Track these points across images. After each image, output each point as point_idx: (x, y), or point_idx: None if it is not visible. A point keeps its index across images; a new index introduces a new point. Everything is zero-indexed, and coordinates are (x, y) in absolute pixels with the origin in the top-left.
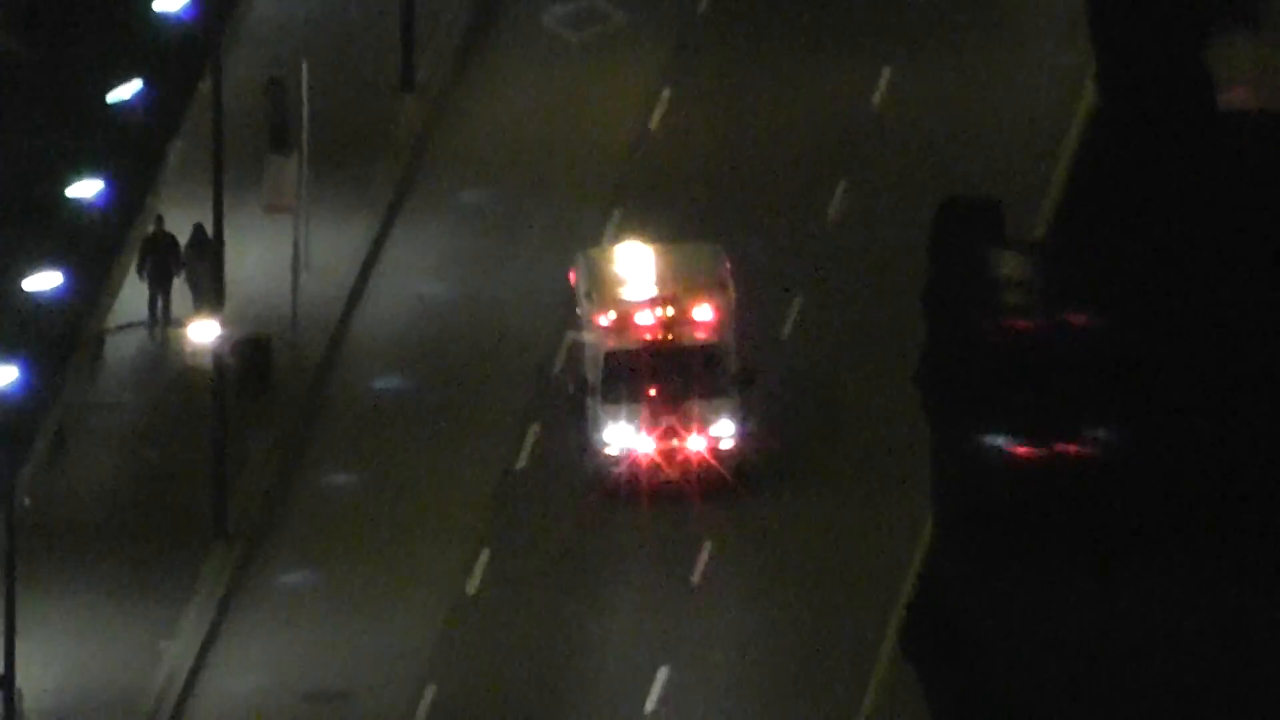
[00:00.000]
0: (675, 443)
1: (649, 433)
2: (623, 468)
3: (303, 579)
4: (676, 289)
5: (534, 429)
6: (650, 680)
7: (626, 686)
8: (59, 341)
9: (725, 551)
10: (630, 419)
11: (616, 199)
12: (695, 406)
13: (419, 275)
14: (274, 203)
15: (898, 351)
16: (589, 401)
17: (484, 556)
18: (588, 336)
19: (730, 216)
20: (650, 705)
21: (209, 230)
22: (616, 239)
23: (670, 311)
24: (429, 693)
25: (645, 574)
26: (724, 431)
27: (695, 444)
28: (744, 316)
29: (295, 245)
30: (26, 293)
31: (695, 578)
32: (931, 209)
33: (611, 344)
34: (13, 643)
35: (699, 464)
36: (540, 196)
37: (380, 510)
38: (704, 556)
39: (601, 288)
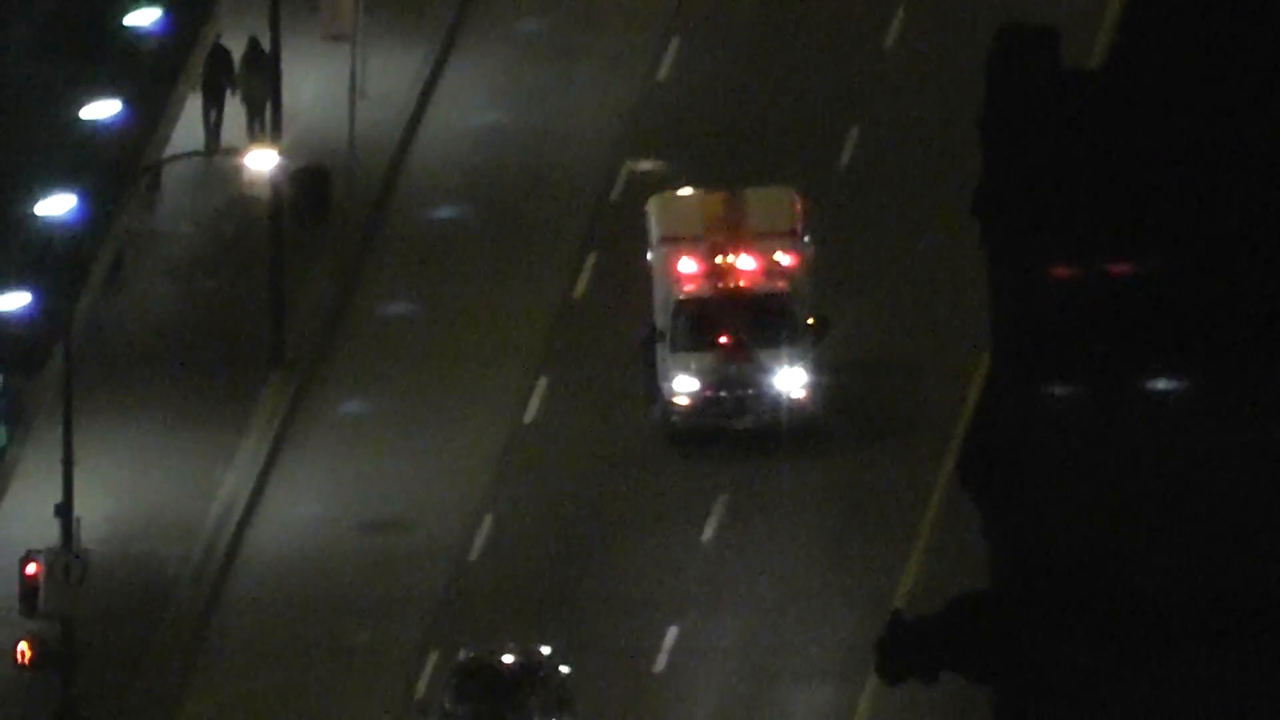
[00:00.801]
0: (745, 392)
1: (719, 382)
2: (690, 416)
3: (360, 408)
4: (751, 235)
5: (592, 257)
6: (708, 511)
7: (687, 514)
8: (116, 170)
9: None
10: (700, 368)
11: (673, 28)
12: (765, 355)
13: (476, 104)
14: (331, 31)
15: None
16: (658, 349)
17: (542, 384)
18: (658, 283)
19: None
20: (708, 533)
21: (264, 46)
22: (674, 70)
23: (744, 258)
24: (487, 522)
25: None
26: (794, 381)
27: (765, 394)
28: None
29: (352, 74)
30: (84, 121)
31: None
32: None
33: (682, 292)
34: (70, 472)
35: (768, 414)
36: (595, 27)
37: (438, 339)
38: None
39: (673, 232)
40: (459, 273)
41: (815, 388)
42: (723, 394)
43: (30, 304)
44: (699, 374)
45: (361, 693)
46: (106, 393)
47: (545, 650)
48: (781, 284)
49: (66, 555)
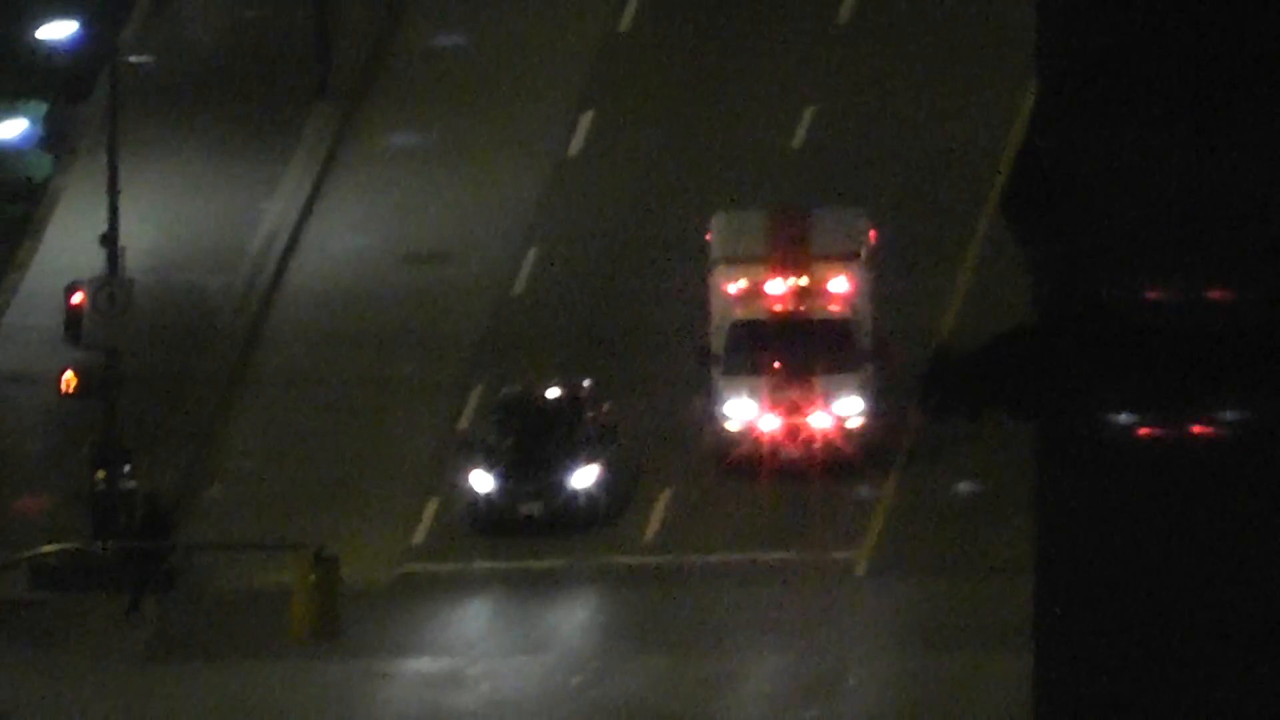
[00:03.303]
0: (799, 419)
1: (771, 408)
2: (744, 444)
3: (405, 140)
4: (812, 257)
5: None
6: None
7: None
8: None
9: None
10: (753, 393)
11: None
12: (821, 382)
13: None
14: None
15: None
16: (713, 372)
17: (587, 118)
18: (715, 303)
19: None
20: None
21: None
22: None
23: (803, 281)
24: (530, 255)
25: (751, 131)
26: (851, 409)
27: (819, 421)
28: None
29: None
30: None
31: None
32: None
33: (738, 313)
34: (116, 201)
35: (822, 442)
36: None
37: (484, 71)
38: None
39: (733, 253)
40: (507, 4)
41: (874, 414)
42: (777, 421)
43: (76, 33)
44: (751, 400)
45: (403, 425)
46: (152, 123)
47: (587, 384)
48: (841, 308)
49: (111, 284)
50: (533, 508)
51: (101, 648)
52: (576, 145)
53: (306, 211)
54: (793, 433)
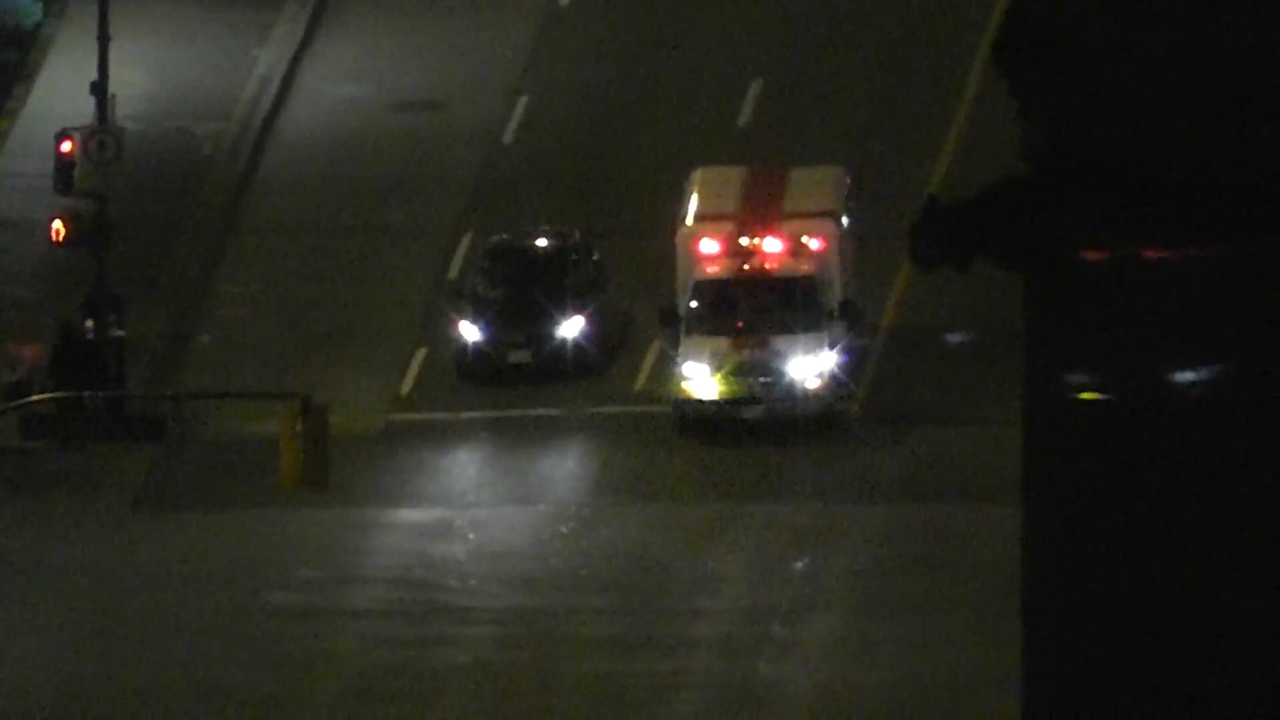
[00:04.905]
0: (756, 379)
1: (730, 367)
2: (702, 403)
3: None
4: (786, 215)
5: None
6: (743, 94)
7: (724, 96)
8: None
9: None
10: (713, 352)
11: None
12: (781, 342)
13: None
14: None
15: None
16: (679, 331)
17: None
18: (682, 262)
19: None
20: (743, 119)
21: None
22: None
23: (770, 240)
24: (521, 104)
25: None
26: (808, 370)
27: (776, 381)
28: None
29: None
30: None
31: None
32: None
33: (703, 271)
34: (106, 49)
35: (779, 402)
36: None
37: None
38: None
39: (705, 210)
40: None
41: (835, 376)
42: (735, 381)
43: None
44: (711, 359)
45: (393, 273)
46: None
47: (577, 234)
48: (810, 267)
49: (101, 132)
50: (521, 356)
51: (91, 496)
52: None
53: (298, 59)
54: (751, 392)
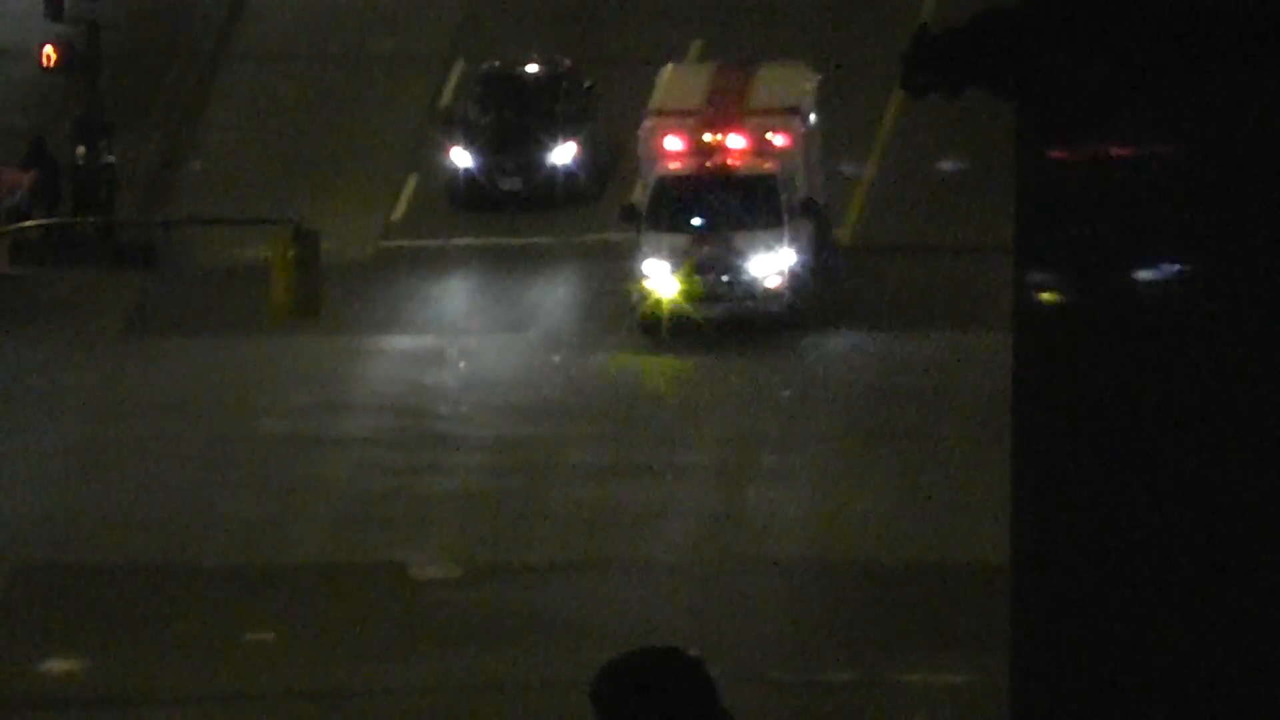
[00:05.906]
0: (715, 277)
1: (688, 264)
2: (659, 300)
3: None
4: (749, 111)
5: None
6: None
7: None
8: None
9: None
10: (672, 249)
11: None
12: (740, 239)
13: None
14: None
15: None
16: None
17: None
18: (645, 157)
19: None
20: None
21: None
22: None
23: (734, 137)
24: None
25: None
26: (768, 268)
27: (735, 279)
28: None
29: None
30: None
31: None
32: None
33: (664, 168)
34: None
35: (739, 300)
36: None
37: None
38: None
39: (668, 106)
40: None
41: (796, 275)
42: (693, 278)
43: None
44: (669, 256)
45: (384, 101)
46: None
47: (568, 61)
48: (772, 164)
49: None
50: (513, 184)
51: (81, 322)
52: None
53: None
54: (710, 291)
